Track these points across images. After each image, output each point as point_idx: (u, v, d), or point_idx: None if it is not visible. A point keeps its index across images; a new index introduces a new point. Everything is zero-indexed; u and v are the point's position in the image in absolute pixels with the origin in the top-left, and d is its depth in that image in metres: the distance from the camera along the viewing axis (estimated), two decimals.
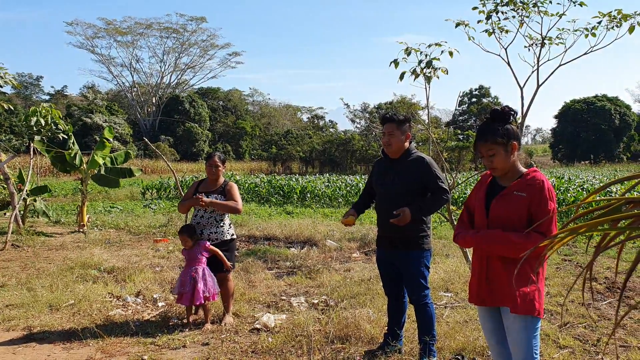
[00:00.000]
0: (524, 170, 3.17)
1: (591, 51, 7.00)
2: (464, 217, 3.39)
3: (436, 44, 6.89)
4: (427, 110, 8.49)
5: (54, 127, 11.75)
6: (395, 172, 4.31)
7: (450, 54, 6.81)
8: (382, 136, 4.36)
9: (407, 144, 4.36)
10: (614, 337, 4.98)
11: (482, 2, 7.05)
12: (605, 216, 1.15)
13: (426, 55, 6.93)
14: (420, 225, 4.27)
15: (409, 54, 6.92)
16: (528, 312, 2.98)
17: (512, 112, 3.17)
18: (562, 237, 1.22)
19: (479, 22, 7.08)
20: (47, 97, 65.78)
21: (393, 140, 4.28)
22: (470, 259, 6.92)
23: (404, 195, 4.20)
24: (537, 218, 2.97)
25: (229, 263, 5.42)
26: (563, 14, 6.84)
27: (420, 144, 47.19)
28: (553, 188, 3.06)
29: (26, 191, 11.37)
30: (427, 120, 8.06)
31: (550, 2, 6.86)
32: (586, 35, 6.89)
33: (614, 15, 6.66)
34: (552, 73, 7.17)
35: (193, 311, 5.52)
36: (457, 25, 7.14)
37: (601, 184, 17.92)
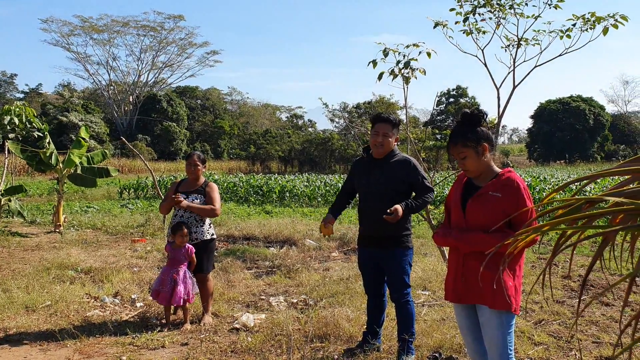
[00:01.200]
0: (499, 170, 3.23)
1: (566, 53, 7.15)
2: (445, 218, 3.48)
3: (414, 45, 6.96)
4: (405, 110, 8.56)
5: (28, 126, 11.60)
6: (380, 171, 4.34)
7: (428, 54, 6.89)
8: (375, 135, 4.34)
9: (394, 146, 4.42)
10: (584, 333, 5.09)
11: (460, 3, 7.14)
12: (566, 215, 1.20)
13: (404, 56, 7.01)
14: (404, 224, 4.33)
15: (386, 55, 6.97)
16: (504, 308, 3.04)
17: (482, 115, 3.23)
18: (524, 236, 1.27)
19: (456, 23, 7.17)
20: (22, 96, 64.67)
21: (387, 141, 4.32)
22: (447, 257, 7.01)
23: (389, 195, 4.25)
24: (514, 218, 3.02)
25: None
26: (539, 16, 6.97)
27: (398, 143, 47.19)
28: (528, 188, 3.13)
29: (0, 191, 11.20)
30: (405, 120, 8.13)
31: (526, 4, 6.99)
32: (561, 37, 7.03)
33: (587, 18, 6.81)
34: (527, 74, 7.30)
35: (172, 311, 5.51)
36: (436, 25, 7.23)
37: (575, 185, 18.24)
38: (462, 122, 3.23)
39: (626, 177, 1.27)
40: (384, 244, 4.34)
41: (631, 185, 1.20)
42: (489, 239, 3.02)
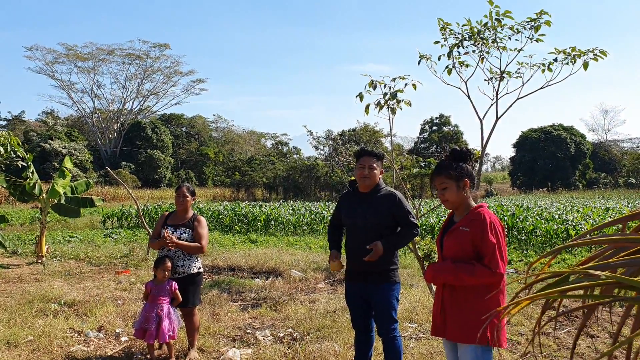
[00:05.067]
0: (474, 205, 3.36)
1: (547, 85, 7.30)
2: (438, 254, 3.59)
3: (400, 77, 7.09)
4: (390, 138, 8.67)
5: (12, 155, 11.51)
6: (366, 206, 4.37)
7: (414, 86, 7.01)
8: (361, 169, 4.38)
9: (379, 179, 4.47)
10: None
11: (444, 36, 7.29)
12: (553, 286, 1.25)
13: (390, 88, 7.13)
14: (391, 258, 4.35)
15: (374, 88, 7.10)
16: (478, 342, 3.07)
17: (470, 154, 3.41)
18: (515, 305, 1.31)
19: (439, 57, 7.31)
20: (4, 123, 64.24)
21: (372, 173, 4.36)
22: (435, 290, 7.03)
23: (375, 229, 4.27)
24: (481, 252, 3.15)
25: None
26: (521, 50, 7.13)
27: (384, 171, 47.42)
28: (499, 222, 3.24)
29: None
30: (390, 148, 8.22)
31: (509, 38, 7.15)
32: (543, 71, 7.19)
33: (568, 52, 6.98)
34: (510, 106, 7.44)
35: (157, 346, 5.44)
36: (420, 59, 7.36)
37: (558, 214, 18.41)
38: (451, 157, 3.39)
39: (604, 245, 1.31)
40: (371, 278, 4.34)
41: (607, 253, 1.25)
42: (454, 267, 3.15)
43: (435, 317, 3.37)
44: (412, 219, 4.36)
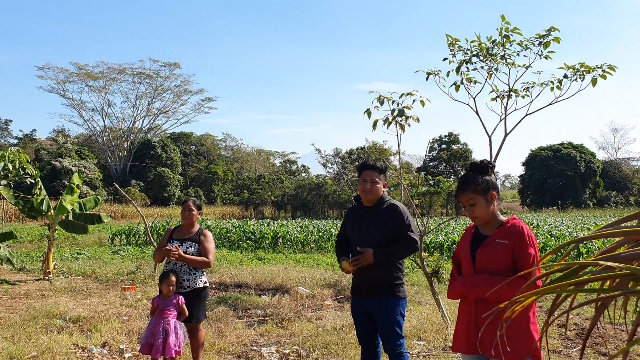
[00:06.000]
0: (504, 218, 3.30)
1: (556, 102, 7.24)
2: (454, 272, 3.49)
3: (408, 94, 7.07)
4: (399, 156, 8.62)
5: (21, 172, 11.58)
6: (370, 219, 4.33)
7: (422, 103, 6.98)
8: (363, 183, 4.36)
9: (383, 192, 4.42)
10: None
11: (452, 53, 7.28)
12: (562, 279, 1.19)
13: (398, 104, 7.10)
14: (395, 273, 4.28)
15: (382, 103, 7.07)
16: (516, 359, 2.97)
17: (490, 165, 3.35)
18: (523, 299, 1.25)
19: (448, 73, 7.28)
20: (16, 141, 64.81)
21: (375, 187, 4.32)
22: (443, 306, 6.92)
23: (378, 242, 4.21)
24: (520, 263, 3.09)
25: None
26: (529, 66, 7.09)
27: (392, 189, 47.57)
28: (532, 234, 3.19)
29: None
30: (398, 166, 8.19)
31: (518, 54, 7.12)
32: (552, 89, 7.13)
33: (577, 68, 6.93)
34: (518, 123, 7.38)
35: None
36: (428, 76, 7.34)
37: (568, 231, 18.23)
38: (473, 171, 3.33)
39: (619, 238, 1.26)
40: (375, 293, 4.27)
41: (622, 249, 1.19)
42: (492, 279, 3.07)
43: (461, 333, 3.26)
44: (411, 233, 4.27)
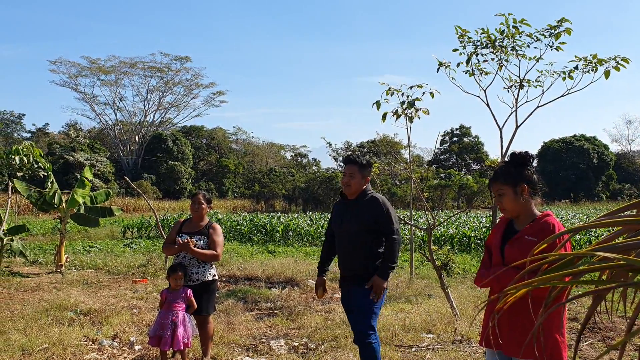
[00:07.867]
0: (539, 213, 3.19)
1: (568, 93, 7.16)
2: (485, 258, 3.40)
3: (418, 86, 7.03)
4: (408, 149, 8.59)
5: (34, 166, 11.67)
6: (352, 212, 4.42)
7: (432, 95, 6.95)
8: (343, 176, 4.48)
9: (364, 186, 4.47)
10: None
11: (462, 44, 7.22)
12: (557, 269, 1.18)
13: (407, 96, 7.07)
14: (374, 262, 4.33)
15: (391, 95, 7.05)
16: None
17: (529, 157, 3.26)
18: (515, 291, 1.24)
19: (458, 64, 7.23)
20: (29, 135, 65.31)
21: (353, 182, 4.41)
22: (453, 300, 6.90)
23: (360, 235, 4.32)
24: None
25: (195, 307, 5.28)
26: (540, 58, 7.01)
27: (403, 182, 47.54)
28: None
29: (3, 230, 11.19)
30: (409, 159, 8.14)
31: (528, 46, 7.04)
32: (564, 79, 7.05)
33: (589, 60, 6.85)
34: (530, 114, 7.32)
35: (170, 355, 5.40)
36: (439, 66, 7.29)
37: (580, 224, 18.11)
38: (509, 162, 3.27)
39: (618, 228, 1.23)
40: (355, 282, 4.36)
41: (620, 239, 1.17)
42: (511, 271, 2.93)
43: (486, 327, 3.21)
44: (393, 226, 4.33)
